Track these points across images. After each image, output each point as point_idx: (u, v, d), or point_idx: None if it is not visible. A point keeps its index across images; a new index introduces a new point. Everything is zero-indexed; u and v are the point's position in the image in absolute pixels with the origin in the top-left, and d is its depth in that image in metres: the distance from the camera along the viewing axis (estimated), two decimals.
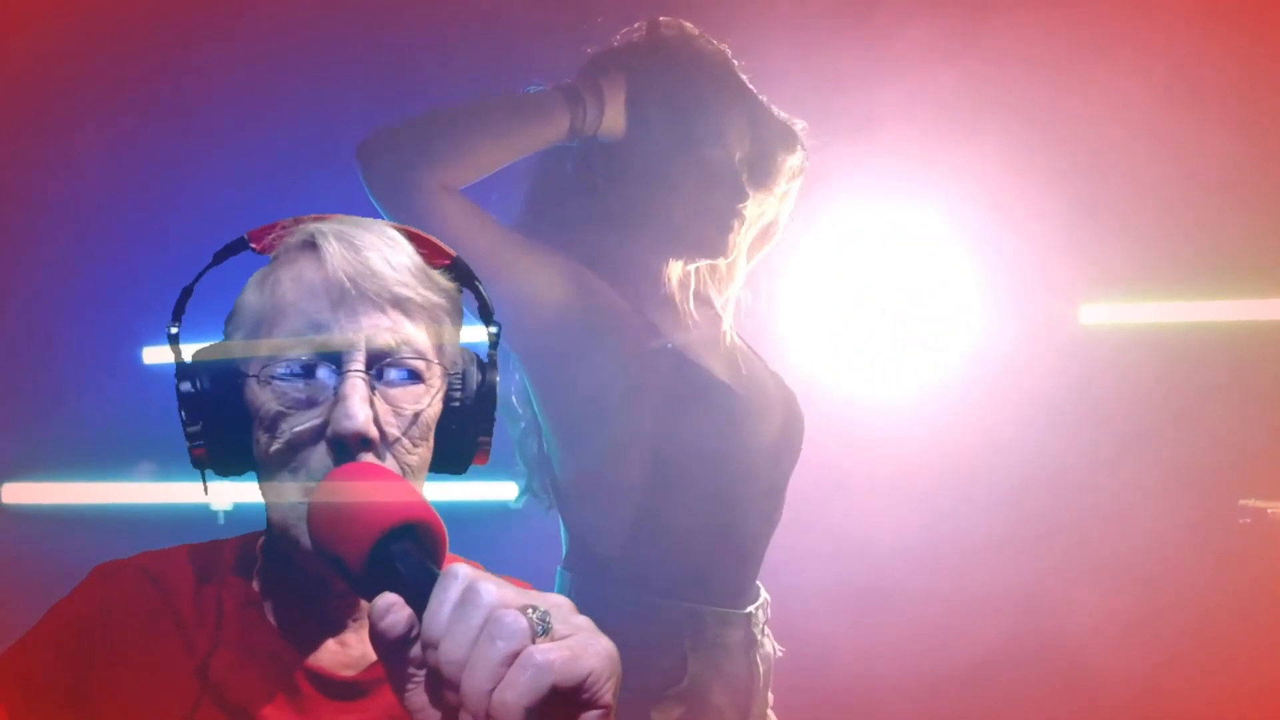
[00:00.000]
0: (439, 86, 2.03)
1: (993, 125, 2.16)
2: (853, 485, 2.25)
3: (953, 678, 2.25)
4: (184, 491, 2.09)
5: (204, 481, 0.97)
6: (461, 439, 1.00)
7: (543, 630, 0.66)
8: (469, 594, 0.67)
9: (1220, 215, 2.24)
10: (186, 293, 0.98)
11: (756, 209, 1.73)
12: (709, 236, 1.69)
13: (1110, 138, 2.19)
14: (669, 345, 1.63)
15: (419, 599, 0.69)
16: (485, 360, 1.02)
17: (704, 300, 1.78)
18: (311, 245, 0.93)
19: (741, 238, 1.73)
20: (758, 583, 1.75)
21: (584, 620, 0.70)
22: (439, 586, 0.68)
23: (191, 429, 0.94)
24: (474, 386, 1.00)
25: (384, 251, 0.93)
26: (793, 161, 1.73)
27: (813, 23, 2.11)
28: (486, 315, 1.03)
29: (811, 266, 2.20)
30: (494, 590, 0.67)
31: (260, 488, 0.95)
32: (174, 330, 0.97)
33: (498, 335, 1.03)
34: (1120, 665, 2.23)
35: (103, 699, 0.92)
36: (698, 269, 1.76)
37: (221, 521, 1.99)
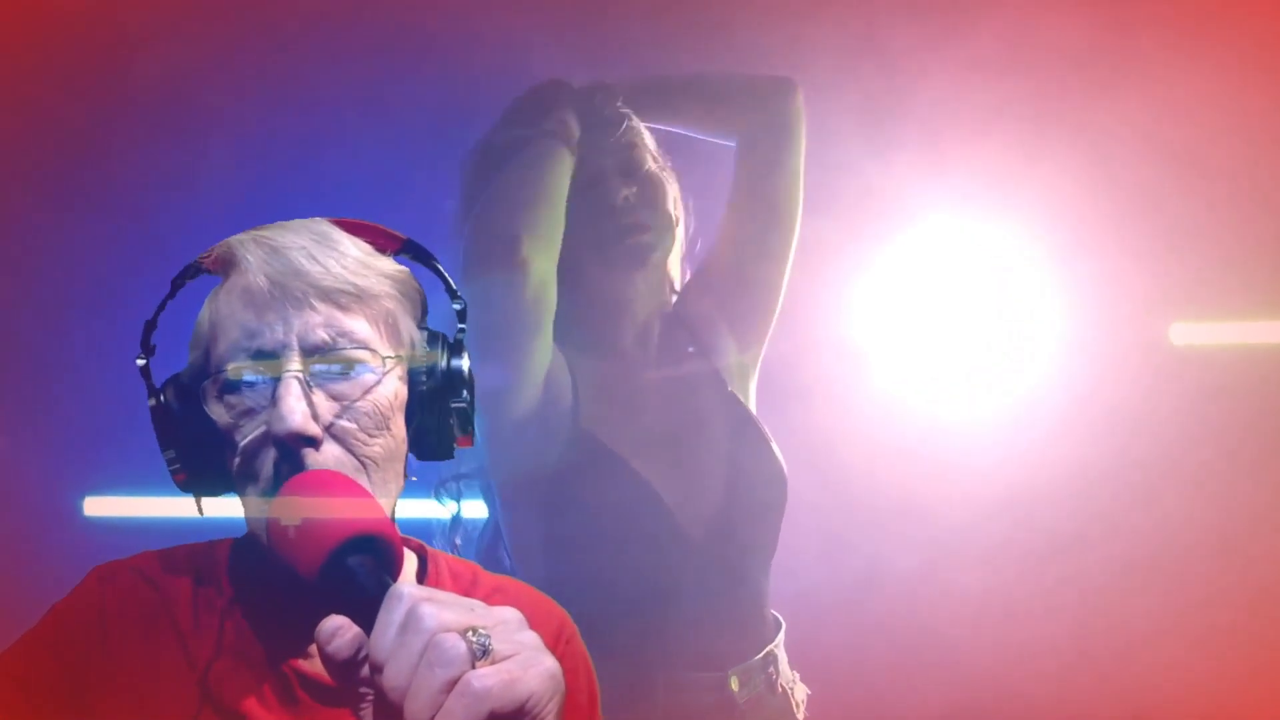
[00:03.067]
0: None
1: (1076, 139, 2.10)
2: (933, 515, 2.16)
3: None
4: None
5: (198, 503, 1.00)
6: (436, 422, 1.00)
7: (482, 654, 0.66)
8: (410, 618, 0.67)
9: None
10: (150, 326, 1.00)
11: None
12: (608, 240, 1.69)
13: (1198, 147, 2.11)
14: (583, 427, 1.61)
15: (371, 616, 0.70)
16: (453, 340, 1.02)
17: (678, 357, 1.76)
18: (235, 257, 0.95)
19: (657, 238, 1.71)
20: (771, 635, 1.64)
21: (529, 637, 0.70)
22: (383, 609, 0.69)
23: (168, 454, 0.97)
24: (441, 368, 0.99)
25: (309, 249, 0.93)
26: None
27: (885, 45, 2.08)
28: (451, 292, 1.04)
29: (892, 288, 2.15)
30: (435, 613, 0.67)
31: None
32: (141, 362, 0.98)
33: (464, 312, 1.03)
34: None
35: (100, 701, 0.92)
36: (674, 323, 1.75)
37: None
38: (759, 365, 1.84)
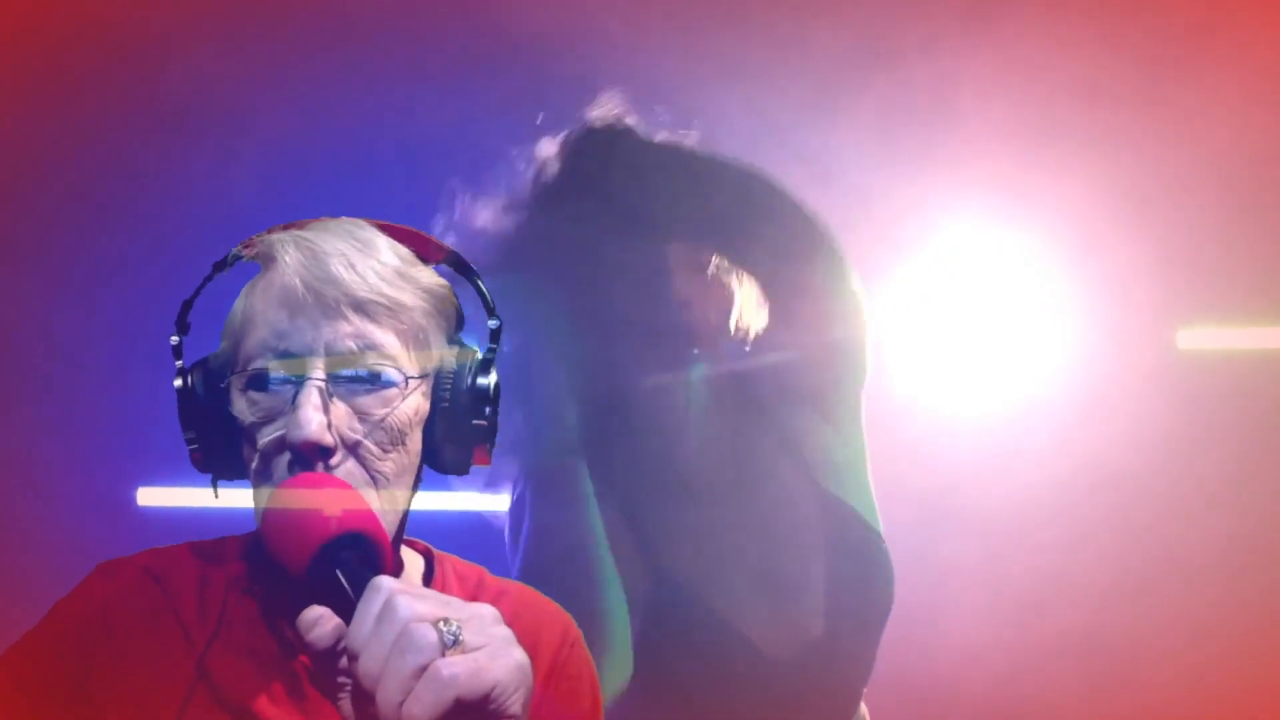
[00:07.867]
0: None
1: (1083, 144, 2.12)
2: (937, 521, 2.16)
3: None
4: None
5: (214, 485, 1.01)
6: (453, 439, 0.99)
7: (453, 642, 0.69)
8: (387, 608, 0.70)
9: None
10: (187, 305, 1.01)
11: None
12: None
13: (1206, 152, 2.12)
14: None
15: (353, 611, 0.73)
16: (484, 356, 1.01)
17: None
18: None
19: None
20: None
21: (502, 631, 0.72)
22: (362, 601, 0.72)
23: (188, 434, 0.98)
24: (466, 385, 0.98)
25: (348, 256, 0.92)
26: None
27: (896, 53, 2.12)
28: (488, 309, 1.03)
29: (899, 293, 2.18)
30: (410, 604, 0.70)
31: None
32: (175, 341, 1.00)
33: (498, 330, 1.02)
34: None
35: (104, 699, 0.92)
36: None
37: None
38: (862, 404, 1.69)
